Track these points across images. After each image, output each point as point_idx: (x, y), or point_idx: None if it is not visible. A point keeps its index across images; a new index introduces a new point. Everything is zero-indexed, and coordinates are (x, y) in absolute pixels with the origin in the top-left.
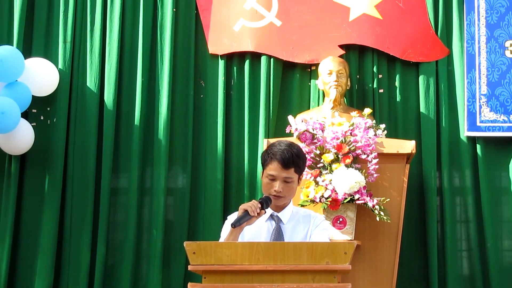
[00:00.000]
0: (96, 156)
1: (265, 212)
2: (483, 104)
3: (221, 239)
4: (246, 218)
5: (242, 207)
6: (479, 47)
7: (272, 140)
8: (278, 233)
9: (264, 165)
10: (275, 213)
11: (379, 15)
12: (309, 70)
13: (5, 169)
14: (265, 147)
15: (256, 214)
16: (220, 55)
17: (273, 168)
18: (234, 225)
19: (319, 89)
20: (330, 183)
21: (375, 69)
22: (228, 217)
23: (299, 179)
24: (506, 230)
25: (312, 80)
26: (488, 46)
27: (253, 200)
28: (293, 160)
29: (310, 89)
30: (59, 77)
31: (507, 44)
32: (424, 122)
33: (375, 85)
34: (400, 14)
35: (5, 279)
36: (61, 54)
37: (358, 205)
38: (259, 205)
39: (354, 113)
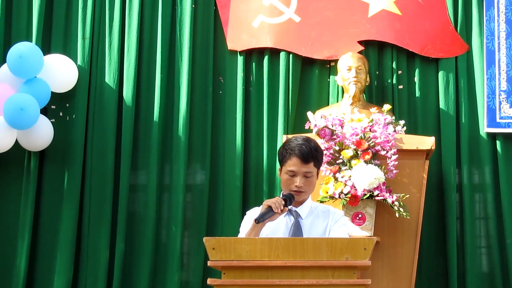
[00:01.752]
0: (115, 153)
1: (288, 209)
2: (502, 100)
3: (241, 234)
4: (269, 214)
5: (266, 203)
6: (498, 43)
7: (291, 137)
8: (297, 228)
9: (282, 162)
10: (294, 208)
11: (399, 11)
12: (328, 66)
13: (25, 165)
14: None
15: (279, 211)
16: (239, 51)
17: (293, 163)
18: (257, 220)
19: (338, 85)
20: (350, 179)
21: (394, 65)
22: (247, 212)
23: (318, 173)
24: None
25: (331, 76)
26: (508, 42)
27: (277, 197)
28: (312, 154)
29: (329, 85)
30: (78, 73)
31: None
32: (443, 118)
33: (394, 81)
34: (420, 10)
35: (24, 275)
36: (80, 51)
37: (378, 202)
38: (283, 202)
39: (374, 109)
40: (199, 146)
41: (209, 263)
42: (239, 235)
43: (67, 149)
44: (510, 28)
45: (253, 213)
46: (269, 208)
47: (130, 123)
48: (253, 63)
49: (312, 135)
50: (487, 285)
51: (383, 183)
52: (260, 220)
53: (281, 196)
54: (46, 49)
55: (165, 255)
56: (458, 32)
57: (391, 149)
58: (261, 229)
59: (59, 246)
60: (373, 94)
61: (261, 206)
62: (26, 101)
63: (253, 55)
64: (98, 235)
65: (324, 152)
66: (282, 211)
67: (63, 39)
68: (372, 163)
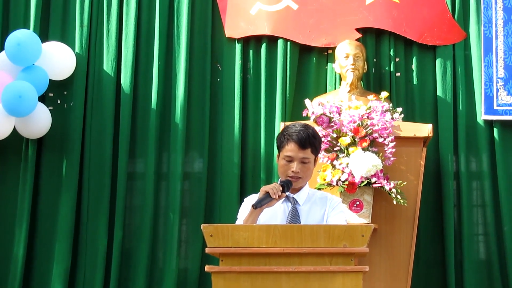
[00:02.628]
0: (113, 140)
1: (286, 195)
2: (500, 88)
3: (239, 221)
4: (267, 200)
5: (264, 189)
6: (496, 31)
7: (289, 124)
8: (294, 215)
9: (280, 147)
10: (291, 195)
11: None
12: (325, 53)
13: (22, 153)
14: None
15: (277, 197)
16: (237, 39)
17: (290, 149)
18: (255, 206)
19: (335, 73)
20: (347, 167)
21: (392, 53)
22: (245, 199)
23: (315, 160)
24: None
25: (329, 64)
26: (506, 29)
27: (275, 183)
28: (310, 141)
29: (326, 73)
30: (76, 61)
31: None
32: (441, 105)
33: (392, 69)
34: None
35: (22, 263)
36: (78, 38)
37: (375, 189)
38: (281, 188)
39: (371, 97)
40: (197, 134)
41: (207, 250)
42: (237, 222)
43: (65, 137)
44: (507, 15)
45: (251, 199)
46: (267, 194)
47: (128, 110)
48: (251, 51)
49: (310, 123)
50: (484, 272)
51: (381, 170)
52: (257, 206)
53: (278, 182)
54: (44, 36)
55: (163, 243)
56: (456, 20)
57: (388, 137)
58: (259, 215)
59: (58, 234)
60: (371, 81)
61: (259, 193)
62: (24, 88)
63: (250, 42)
64: (97, 223)
65: (322, 139)
66: (279, 197)
67: (61, 26)
68: (369, 151)
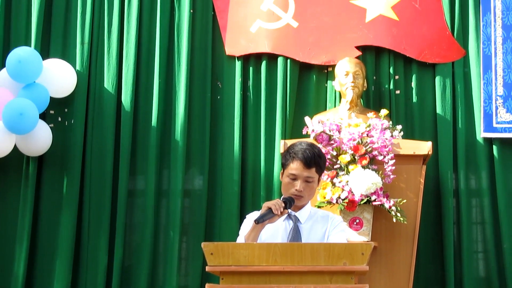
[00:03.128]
0: (114, 158)
1: (288, 212)
2: (499, 105)
3: (240, 237)
4: (269, 215)
5: (266, 204)
6: (495, 48)
7: (289, 141)
8: (296, 233)
9: (284, 165)
10: (293, 213)
11: (396, 16)
12: (325, 71)
13: (23, 170)
14: (281, 148)
15: (279, 213)
16: (237, 56)
17: (295, 167)
18: (257, 221)
19: (335, 90)
20: (347, 184)
21: (391, 70)
22: (247, 216)
23: (319, 179)
24: None
25: (328, 81)
26: (505, 47)
27: (277, 199)
28: (315, 160)
29: (326, 90)
30: (77, 78)
31: None
32: (440, 123)
33: (391, 86)
34: (417, 15)
35: (23, 281)
36: (79, 56)
37: (375, 207)
38: (283, 204)
39: (371, 114)
40: (197, 151)
41: (207, 268)
42: (238, 238)
43: (65, 154)
44: (506, 33)
45: (253, 216)
46: (269, 209)
47: (129, 128)
48: (251, 68)
49: (310, 140)
50: None
51: (380, 188)
52: (259, 221)
53: (281, 199)
54: (45, 54)
55: (164, 260)
56: (455, 37)
57: (388, 154)
58: (261, 231)
59: (58, 251)
60: (370, 99)
61: (261, 209)
62: (25, 106)
63: (251, 60)
64: (97, 240)
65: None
66: (281, 213)
67: (62, 44)
68: (369, 168)
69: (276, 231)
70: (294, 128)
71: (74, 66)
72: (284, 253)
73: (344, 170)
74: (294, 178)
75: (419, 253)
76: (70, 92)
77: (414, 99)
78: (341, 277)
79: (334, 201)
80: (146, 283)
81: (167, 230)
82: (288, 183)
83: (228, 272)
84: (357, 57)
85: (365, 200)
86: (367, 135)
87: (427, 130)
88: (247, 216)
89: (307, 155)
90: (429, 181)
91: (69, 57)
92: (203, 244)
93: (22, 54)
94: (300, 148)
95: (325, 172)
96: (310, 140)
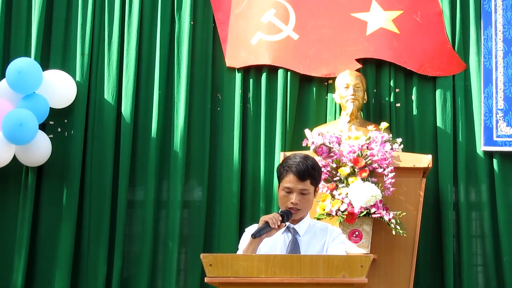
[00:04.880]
0: (113, 169)
1: (286, 225)
2: (500, 119)
3: (239, 251)
4: (266, 229)
5: (263, 218)
6: (496, 62)
7: (288, 153)
8: (294, 245)
9: (280, 178)
10: (292, 225)
11: (396, 29)
12: (326, 83)
13: (22, 180)
14: (281, 161)
15: (276, 227)
16: (237, 68)
17: (289, 180)
18: (254, 235)
19: (335, 103)
20: (346, 197)
21: (392, 83)
22: (246, 229)
23: (315, 191)
24: None
25: (329, 94)
26: (505, 60)
27: (274, 213)
28: (309, 172)
29: (327, 103)
30: (77, 89)
31: None
32: (440, 136)
33: (392, 99)
34: (417, 28)
35: None
36: (79, 67)
37: (374, 219)
38: (280, 218)
39: (371, 127)
40: (197, 163)
41: (206, 280)
42: (238, 252)
43: (65, 165)
44: (507, 47)
45: (252, 229)
46: (266, 223)
47: (128, 139)
48: (251, 80)
49: (310, 153)
50: None
51: (380, 201)
52: (256, 236)
53: (279, 212)
54: (45, 64)
55: (162, 271)
56: (456, 51)
57: (388, 167)
58: (258, 245)
59: (57, 262)
60: (371, 112)
61: (258, 223)
62: (24, 116)
63: (251, 72)
64: (96, 250)
65: (322, 169)
66: (279, 226)
67: (62, 55)
68: (369, 181)
69: (275, 244)
70: (294, 140)
71: (74, 77)
72: (283, 264)
73: (343, 182)
74: (289, 191)
75: (419, 266)
76: (70, 103)
77: (415, 112)
78: None
79: (334, 213)
80: None
81: (166, 241)
82: (283, 196)
83: (227, 283)
84: (358, 70)
85: (364, 213)
86: (367, 147)
87: (427, 143)
88: (246, 229)
89: (300, 168)
90: (429, 194)
91: (69, 68)
92: (202, 255)
93: (22, 65)
94: (294, 162)
95: (325, 184)
96: (310, 152)
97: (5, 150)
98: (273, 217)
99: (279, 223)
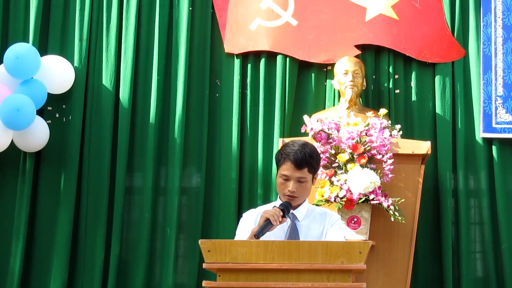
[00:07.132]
0: (111, 154)
1: (287, 219)
2: (499, 106)
3: (237, 237)
4: (268, 227)
5: (264, 215)
6: (495, 49)
7: (287, 140)
8: (293, 231)
9: (278, 165)
10: (291, 211)
11: (396, 16)
12: (325, 70)
13: (20, 166)
14: (280, 147)
15: (278, 223)
16: (236, 54)
17: (286, 168)
18: (257, 236)
19: (334, 89)
20: (345, 183)
21: (391, 70)
22: (244, 214)
23: (314, 178)
24: None
25: (328, 80)
26: (505, 47)
27: (275, 208)
28: (306, 160)
29: (325, 89)
30: (75, 74)
31: None
32: (439, 123)
33: (391, 86)
34: (417, 14)
35: (19, 277)
36: (77, 52)
37: (373, 205)
38: (281, 213)
39: (370, 113)
40: (195, 149)
41: (204, 266)
42: (236, 238)
43: (63, 151)
44: (507, 33)
45: (249, 215)
46: (268, 221)
47: (127, 125)
48: (250, 66)
49: (308, 139)
50: None
51: (379, 187)
52: (260, 236)
53: (278, 206)
54: (43, 50)
55: (160, 258)
56: (455, 37)
57: (387, 153)
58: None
59: (55, 248)
60: (370, 98)
61: (256, 210)
62: (22, 102)
63: (249, 58)
64: (94, 236)
65: (320, 155)
66: (280, 222)
67: (60, 40)
68: (367, 167)
69: (274, 229)
70: (293, 127)
71: (72, 63)
72: (282, 251)
73: (342, 168)
74: (287, 179)
75: (417, 252)
76: (68, 89)
77: (414, 99)
78: (338, 275)
79: (332, 200)
80: (142, 280)
81: (164, 227)
82: (281, 184)
83: (225, 269)
84: (357, 56)
85: (363, 199)
86: (366, 134)
87: (426, 129)
88: (243, 214)
89: (297, 156)
90: (427, 181)
91: (67, 54)
92: (200, 241)
93: (20, 50)
94: (292, 149)
95: (324, 170)
96: (309, 138)
97: (2, 136)
98: (274, 214)
99: (280, 219)
